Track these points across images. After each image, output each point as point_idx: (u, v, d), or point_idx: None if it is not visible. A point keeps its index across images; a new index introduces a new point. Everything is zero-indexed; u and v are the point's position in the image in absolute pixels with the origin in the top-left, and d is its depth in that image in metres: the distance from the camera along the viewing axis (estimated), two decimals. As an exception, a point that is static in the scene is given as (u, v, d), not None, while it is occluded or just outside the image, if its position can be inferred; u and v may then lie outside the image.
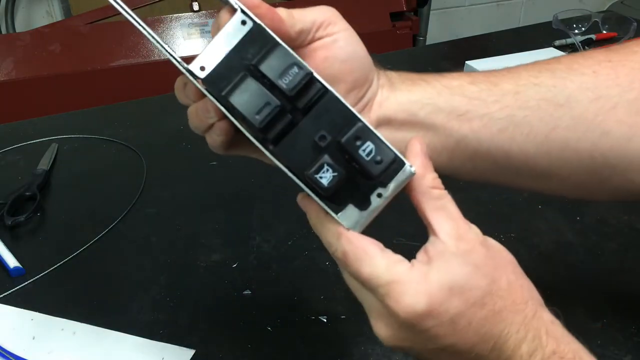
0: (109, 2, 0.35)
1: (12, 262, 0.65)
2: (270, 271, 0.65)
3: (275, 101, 0.33)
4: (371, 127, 0.34)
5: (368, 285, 0.35)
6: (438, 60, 1.21)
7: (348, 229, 0.35)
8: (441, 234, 0.34)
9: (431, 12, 1.97)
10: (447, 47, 1.34)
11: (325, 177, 0.33)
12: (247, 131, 0.35)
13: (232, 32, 0.34)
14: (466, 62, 0.97)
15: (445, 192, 0.36)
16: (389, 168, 0.33)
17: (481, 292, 0.34)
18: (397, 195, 0.35)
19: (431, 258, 0.34)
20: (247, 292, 0.62)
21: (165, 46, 0.35)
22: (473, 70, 0.94)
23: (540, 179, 0.45)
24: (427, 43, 1.92)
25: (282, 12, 0.37)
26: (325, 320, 0.57)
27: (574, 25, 1.21)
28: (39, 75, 1.51)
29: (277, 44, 0.34)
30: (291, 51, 0.34)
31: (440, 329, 0.34)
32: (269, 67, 0.33)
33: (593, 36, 1.21)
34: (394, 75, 0.44)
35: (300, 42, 0.38)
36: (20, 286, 0.63)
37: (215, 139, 0.39)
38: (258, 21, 0.35)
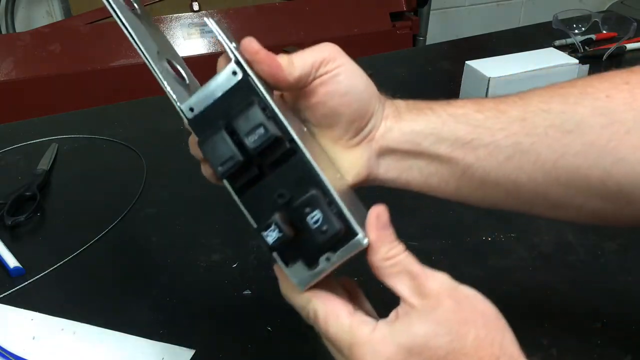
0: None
1: (12, 262, 0.65)
2: (270, 271, 0.64)
3: (238, 156, 0.35)
4: (333, 193, 0.35)
5: (335, 346, 0.35)
6: (438, 60, 1.21)
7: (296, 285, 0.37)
8: (405, 296, 0.34)
9: (431, 12, 1.97)
10: (447, 47, 1.34)
11: (271, 235, 0.34)
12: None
13: (223, 81, 0.36)
14: (466, 62, 0.97)
15: (402, 257, 0.35)
16: (334, 238, 0.34)
17: (443, 352, 0.33)
18: (347, 261, 0.35)
19: (397, 318, 0.34)
20: (247, 292, 0.62)
21: (165, 82, 0.37)
22: (473, 70, 0.94)
23: (555, 209, 0.44)
24: (427, 43, 1.92)
25: (282, 59, 0.38)
26: (325, 320, 0.58)
27: (574, 25, 1.21)
28: (39, 75, 1.51)
29: (255, 100, 0.35)
30: (272, 105, 0.35)
31: None
32: (239, 124, 0.35)
33: (593, 36, 1.21)
34: (401, 104, 0.44)
35: (302, 85, 0.39)
36: (20, 286, 0.63)
37: (205, 170, 0.41)
38: (249, 73, 0.36)
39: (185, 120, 0.37)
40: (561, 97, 0.43)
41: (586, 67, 0.97)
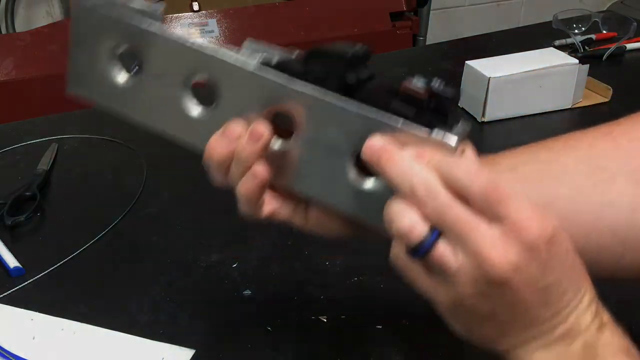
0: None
1: (12, 262, 0.65)
2: (270, 271, 0.65)
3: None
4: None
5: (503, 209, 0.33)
6: (438, 60, 1.21)
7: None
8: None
9: (431, 12, 1.97)
10: (447, 47, 1.34)
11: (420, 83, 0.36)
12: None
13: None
14: (466, 62, 0.97)
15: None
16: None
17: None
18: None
19: None
20: (247, 292, 0.62)
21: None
22: (473, 70, 0.94)
23: None
24: (427, 43, 1.92)
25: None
26: (325, 320, 0.57)
27: (574, 25, 1.21)
28: (39, 75, 1.51)
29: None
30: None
31: (560, 255, 0.33)
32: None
33: (593, 36, 1.22)
34: None
35: None
36: (20, 286, 0.63)
37: (249, 185, 0.40)
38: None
39: None
40: (547, 149, 0.45)
41: (586, 67, 0.97)
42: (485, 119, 0.94)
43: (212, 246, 0.68)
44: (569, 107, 0.98)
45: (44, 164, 0.84)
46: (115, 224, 0.73)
